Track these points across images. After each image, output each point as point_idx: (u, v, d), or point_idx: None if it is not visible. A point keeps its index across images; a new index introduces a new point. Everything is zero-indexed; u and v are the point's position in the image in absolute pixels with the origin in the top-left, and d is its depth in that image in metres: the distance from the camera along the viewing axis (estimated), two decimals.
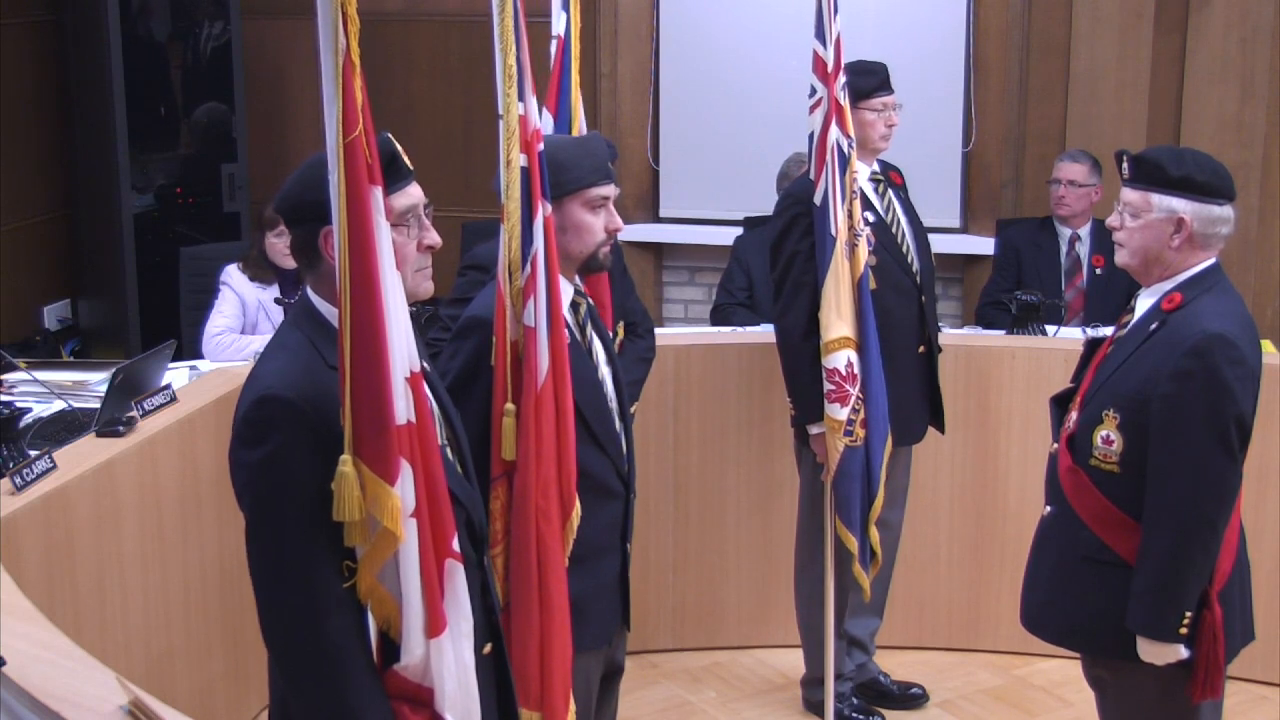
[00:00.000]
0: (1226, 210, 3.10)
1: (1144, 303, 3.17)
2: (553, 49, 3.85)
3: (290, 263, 5.05)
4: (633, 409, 3.58)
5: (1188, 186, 3.06)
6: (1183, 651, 3.02)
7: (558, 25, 3.82)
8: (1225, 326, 3.00)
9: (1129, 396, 3.07)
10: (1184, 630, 3.01)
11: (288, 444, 2.22)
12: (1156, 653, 3.04)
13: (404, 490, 2.19)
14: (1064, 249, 5.69)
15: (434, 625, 2.25)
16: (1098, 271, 5.59)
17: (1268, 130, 6.09)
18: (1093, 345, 3.32)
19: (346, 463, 2.16)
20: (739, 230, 5.85)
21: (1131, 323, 3.18)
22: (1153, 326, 3.09)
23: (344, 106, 2.09)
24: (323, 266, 2.32)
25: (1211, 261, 3.12)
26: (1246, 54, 6.06)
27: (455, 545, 2.31)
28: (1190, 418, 2.98)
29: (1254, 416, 3.03)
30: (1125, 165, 3.14)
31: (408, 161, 2.36)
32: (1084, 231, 5.67)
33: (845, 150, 4.07)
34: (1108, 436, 3.10)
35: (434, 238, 2.40)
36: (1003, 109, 6.40)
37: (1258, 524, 4.35)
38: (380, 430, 2.16)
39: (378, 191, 2.16)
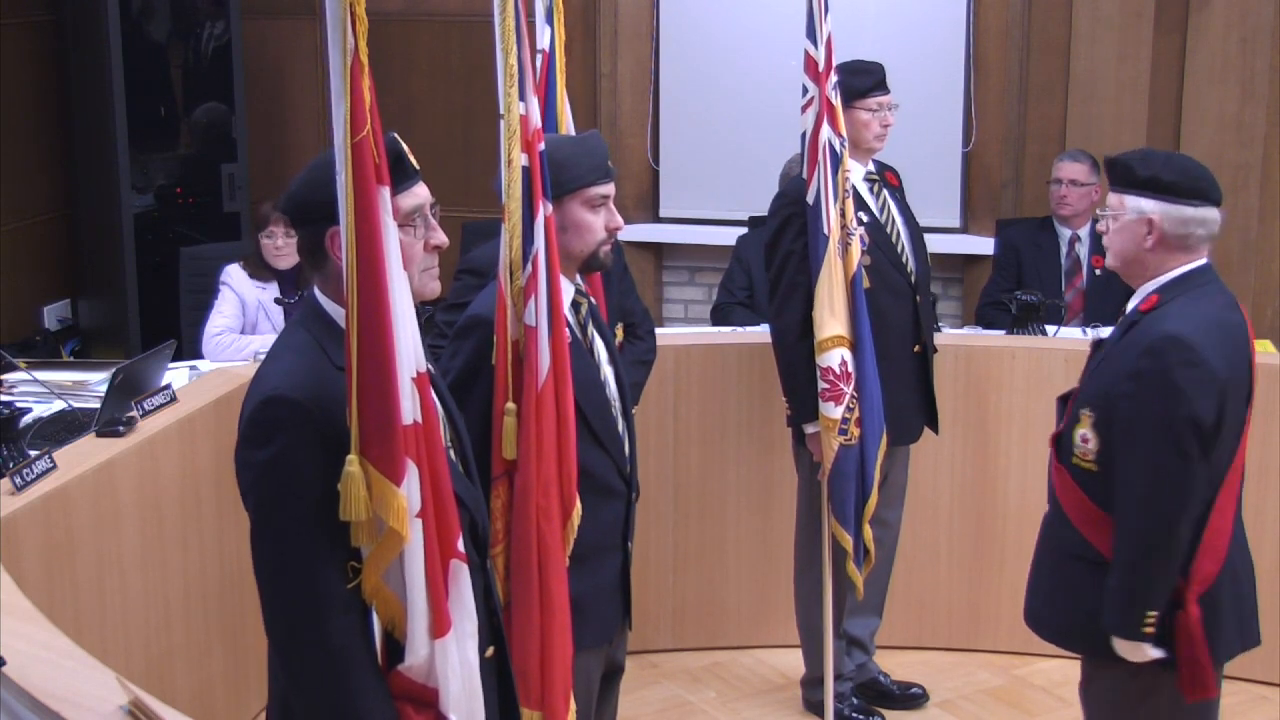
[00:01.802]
0: (1202, 212, 3.07)
1: (1131, 304, 3.19)
2: (538, 63, 3.83)
3: (282, 262, 5.06)
4: (632, 411, 3.57)
5: (1154, 187, 3.06)
6: (1150, 651, 3.02)
7: (542, 40, 3.80)
8: (1183, 328, 2.98)
9: (1100, 395, 3.09)
10: (1149, 630, 3.00)
11: (293, 445, 2.21)
12: (1126, 650, 3.05)
13: (410, 491, 2.19)
14: (1064, 249, 5.69)
15: (439, 626, 2.25)
16: (1097, 272, 5.58)
17: (1268, 130, 6.08)
18: (1097, 346, 3.33)
19: (353, 462, 2.16)
20: (739, 230, 5.83)
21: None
22: (1127, 327, 3.11)
23: (352, 106, 2.09)
24: (330, 267, 2.32)
25: (1198, 264, 3.10)
26: (1246, 54, 6.06)
27: (460, 546, 2.31)
28: (1144, 419, 2.99)
29: (1218, 418, 2.96)
30: (1104, 168, 3.17)
31: (414, 161, 2.36)
32: (1084, 232, 5.67)
33: (837, 149, 4.07)
34: (1085, 435, 3.11)
35: (441, 238, 2.40)
36: (1003, 109, 6.40)
37: (1258, 524, 4.34)
38: (387, 430, 2.16)
39: (385, 192, 2.16)
